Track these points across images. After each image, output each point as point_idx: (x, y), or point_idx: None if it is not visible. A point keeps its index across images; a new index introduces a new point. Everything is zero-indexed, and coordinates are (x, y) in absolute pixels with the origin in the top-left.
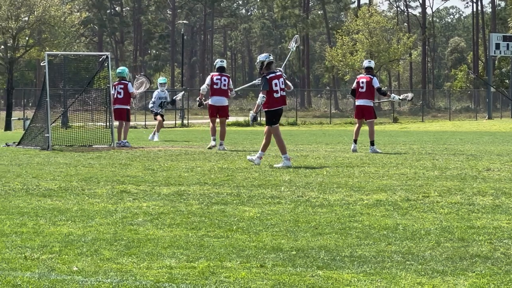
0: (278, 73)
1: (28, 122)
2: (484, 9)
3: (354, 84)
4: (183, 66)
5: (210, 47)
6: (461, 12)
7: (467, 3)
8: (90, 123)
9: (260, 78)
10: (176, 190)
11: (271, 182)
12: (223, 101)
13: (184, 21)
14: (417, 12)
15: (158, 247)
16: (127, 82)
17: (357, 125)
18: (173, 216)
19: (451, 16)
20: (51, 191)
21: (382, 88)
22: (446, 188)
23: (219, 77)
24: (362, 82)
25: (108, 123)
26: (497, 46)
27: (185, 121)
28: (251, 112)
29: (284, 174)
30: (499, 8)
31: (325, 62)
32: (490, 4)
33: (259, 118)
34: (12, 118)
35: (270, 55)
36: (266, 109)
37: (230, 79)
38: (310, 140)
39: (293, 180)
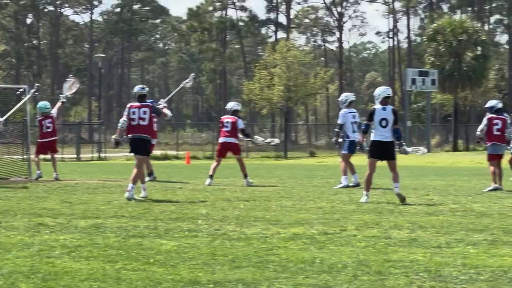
0: (140, 104)
1: None
2: (400, 45)
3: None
4: (101, 99)
5: (128, 81)
6: (377, 47)
7: (384, 38)
8: (6, 156)
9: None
10: (93, 223)
11: (188, 216)
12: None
13: (102, 55)
14: (334, 46)
15: (75, 280)
16: (53, 114)
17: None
18: (90, 249)
19: (368, 51)
20: None
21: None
22: (363, 221)
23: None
24: (227, 122)
25: (24, 156)
26: (413, 81)
27: (102, 154)
28: (113, 136)
29: (201, 208)
30: (415, 43)
31: (243, 96)
32: (406, 40)
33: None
34: None
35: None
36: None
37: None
38: (227, 174)
39: (210, 213)
